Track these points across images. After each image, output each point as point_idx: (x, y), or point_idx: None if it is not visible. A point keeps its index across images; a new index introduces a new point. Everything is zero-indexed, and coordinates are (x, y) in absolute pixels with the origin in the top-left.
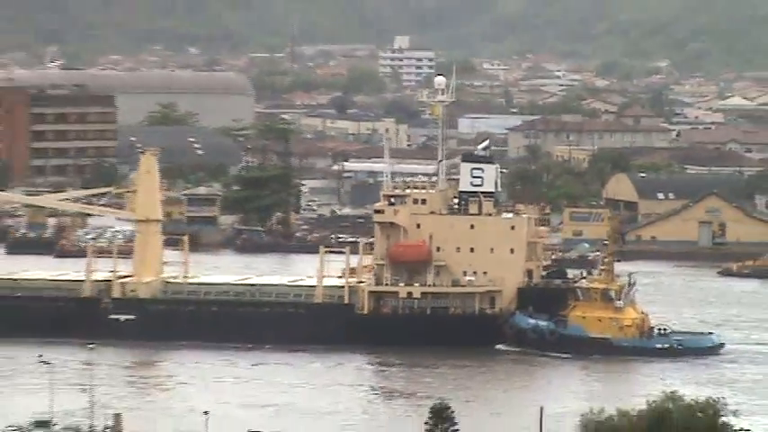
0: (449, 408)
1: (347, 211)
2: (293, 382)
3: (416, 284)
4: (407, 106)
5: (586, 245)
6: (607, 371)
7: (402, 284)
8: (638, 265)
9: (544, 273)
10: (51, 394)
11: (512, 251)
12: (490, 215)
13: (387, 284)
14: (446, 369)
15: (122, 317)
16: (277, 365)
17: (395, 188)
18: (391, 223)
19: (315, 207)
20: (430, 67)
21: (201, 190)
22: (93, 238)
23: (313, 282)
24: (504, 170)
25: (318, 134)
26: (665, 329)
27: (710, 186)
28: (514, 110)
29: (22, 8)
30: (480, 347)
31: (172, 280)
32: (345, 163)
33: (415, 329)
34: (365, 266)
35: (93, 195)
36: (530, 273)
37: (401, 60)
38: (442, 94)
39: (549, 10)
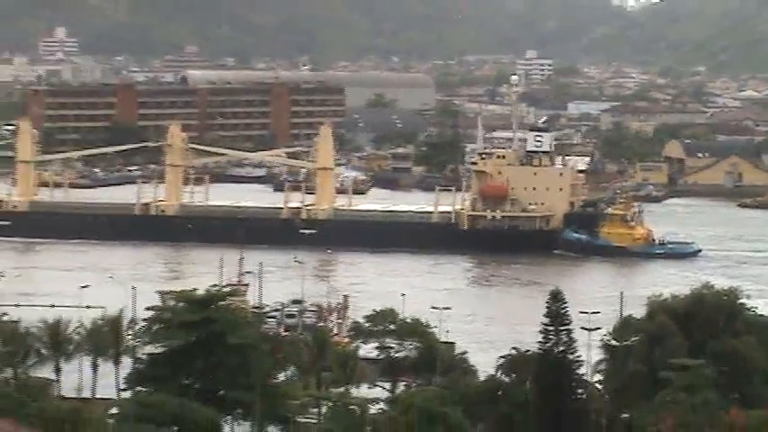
0: (561, 292)
1: None
2: (435, 274)
3: (498, 211)
4: (535, 96)
5: (651, 186)
6: (629, 267)
7: (489, 210)
8: (685, 200)
9: (582, 204)
10: (302, 282)
11: (560, 189)
12: (546, 166)
13: (479, 210)
14: (521, 266)
15: (307, 231)
16: (421, 264)
17: (485, 148)
18: (482, 171)
19: None
20: (549, 70)
21: (400, 150)
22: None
23: (431, 208)
24: (596, 139)
25: (476, 114)
26: (662, 240)
27: (733, 149)
28: (605, 98)
29: (285, 34)
30: (541, 252)
31: (340, 207)
32: (494, 132)
33: (498, 240)
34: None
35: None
36: (572, 204)
37: (530, 65)
38: (516, 86)
39: (628, 33)
